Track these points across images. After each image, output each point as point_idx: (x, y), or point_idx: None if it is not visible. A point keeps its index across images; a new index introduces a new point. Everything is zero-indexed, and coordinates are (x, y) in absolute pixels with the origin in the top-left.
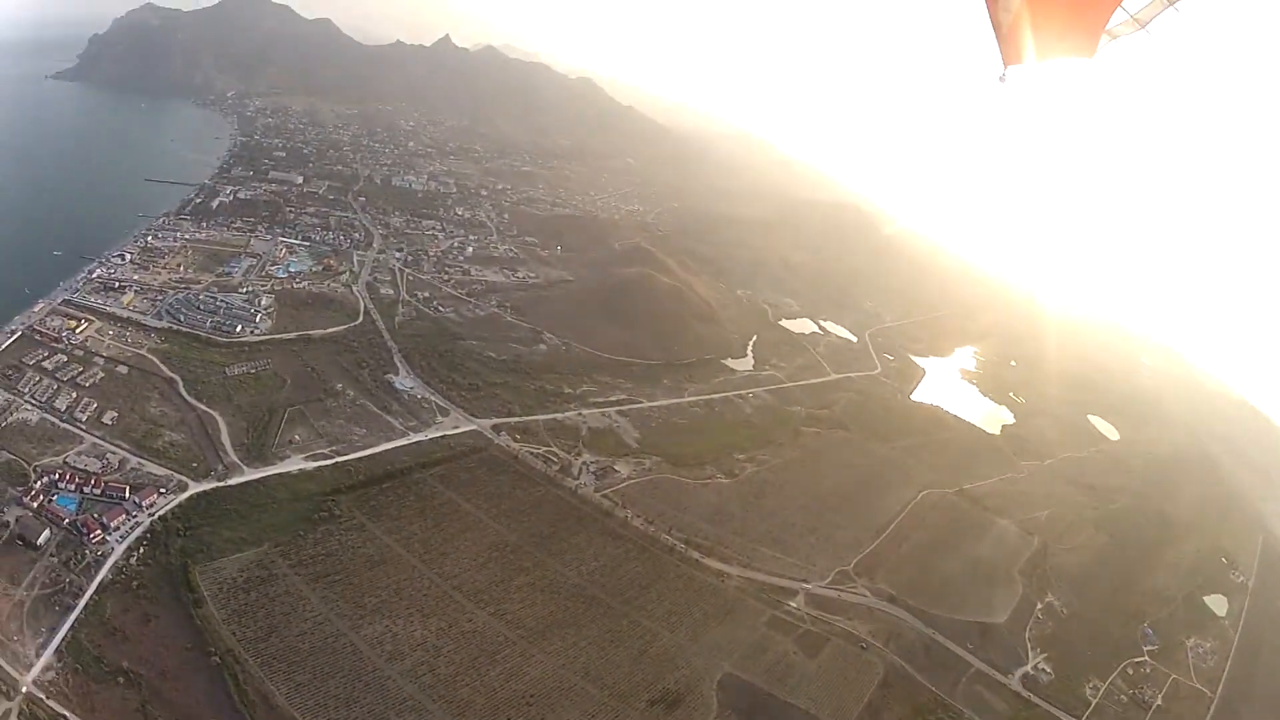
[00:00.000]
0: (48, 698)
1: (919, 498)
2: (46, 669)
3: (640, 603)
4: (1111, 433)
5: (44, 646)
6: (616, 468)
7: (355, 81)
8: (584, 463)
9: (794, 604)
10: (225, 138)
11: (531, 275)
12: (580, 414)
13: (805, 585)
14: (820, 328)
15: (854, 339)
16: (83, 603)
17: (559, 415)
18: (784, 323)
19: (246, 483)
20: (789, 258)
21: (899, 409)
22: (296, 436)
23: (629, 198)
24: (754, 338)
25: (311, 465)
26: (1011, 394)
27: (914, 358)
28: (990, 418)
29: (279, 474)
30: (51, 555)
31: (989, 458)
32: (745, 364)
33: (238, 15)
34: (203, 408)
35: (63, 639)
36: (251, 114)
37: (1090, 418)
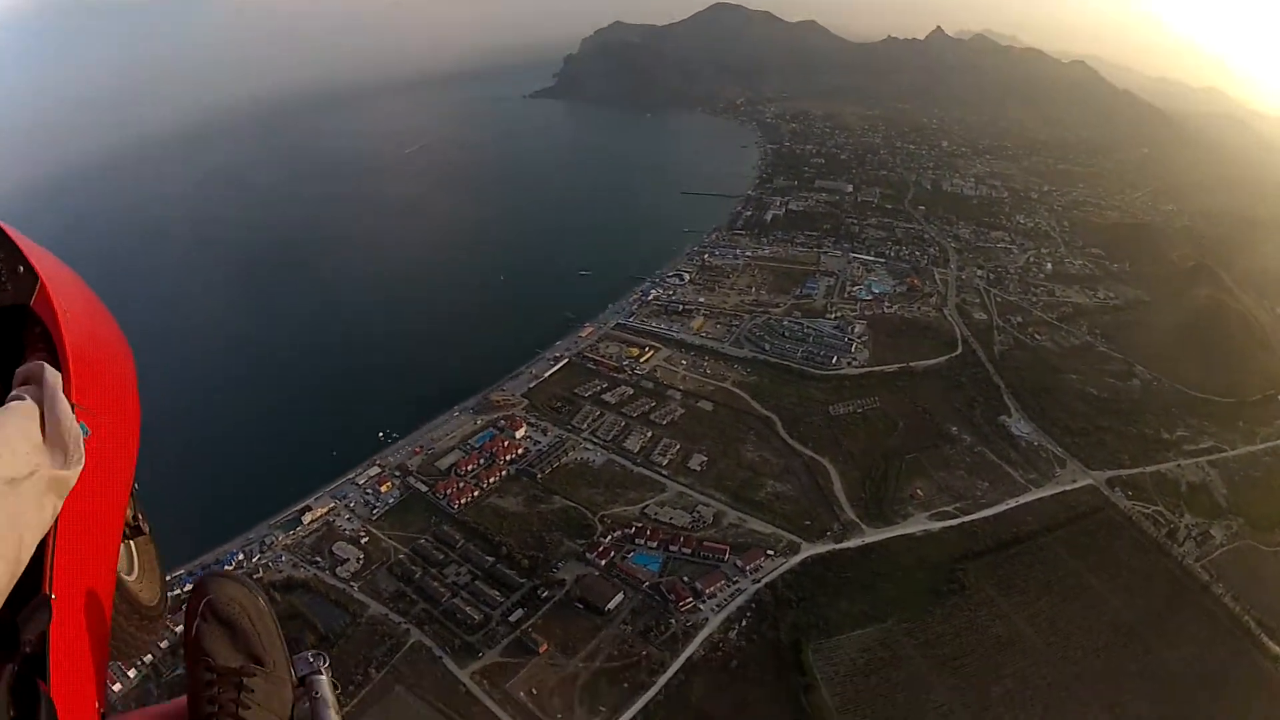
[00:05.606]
0: None
1: None
2: None
3: (1228, 699)
4: None
5: None
6: (1212, 532)
7: (857, 81)
8: (1187, 526)
9: None
10: (751, 146)
11: (1112, 296)
12: (1179, 465)
13: None
14: None
15: None
16: (663, 680)
17: (1161, 467)
18: None
19: (867, 545)
20: None
21: None
22: (919, 491)
23: (1159, 195)
24: None
25: (936, 526)
26: None
27: None
28: None
29: (902, 535)
30: (624, 623)
31: None
32: None
33: (720, 25)
34: (809, 453)
35: None
36: (772, 120)
37: None
